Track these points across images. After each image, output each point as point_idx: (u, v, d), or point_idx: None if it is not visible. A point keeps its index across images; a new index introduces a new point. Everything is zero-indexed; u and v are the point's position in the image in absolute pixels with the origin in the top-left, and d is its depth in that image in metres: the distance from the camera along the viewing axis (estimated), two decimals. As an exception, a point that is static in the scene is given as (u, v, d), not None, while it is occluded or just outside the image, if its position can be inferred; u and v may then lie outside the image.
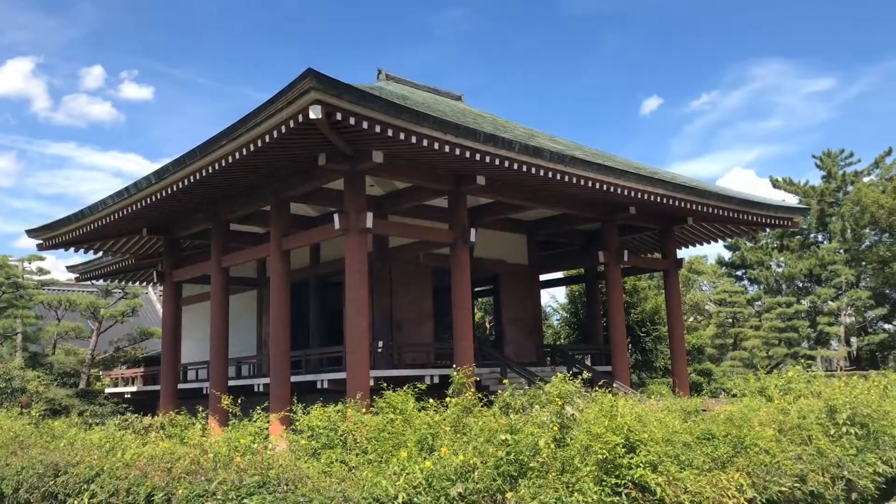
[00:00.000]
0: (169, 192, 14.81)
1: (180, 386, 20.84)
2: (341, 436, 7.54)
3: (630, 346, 26.28)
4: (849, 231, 43.53)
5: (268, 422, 8.84)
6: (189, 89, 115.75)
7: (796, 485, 7.52)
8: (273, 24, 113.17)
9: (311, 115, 11.11)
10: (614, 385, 17.56)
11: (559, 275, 26.91)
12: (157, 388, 21.36)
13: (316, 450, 7.43)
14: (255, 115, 12.10)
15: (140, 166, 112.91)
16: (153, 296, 39.60)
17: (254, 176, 15.00)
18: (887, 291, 43.48)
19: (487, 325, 35.97)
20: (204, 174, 13.75)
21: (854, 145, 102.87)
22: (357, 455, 7.00)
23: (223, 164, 13.23)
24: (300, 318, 19.82)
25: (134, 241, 20.90)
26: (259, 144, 12.35)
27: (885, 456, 9.09)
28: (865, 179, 45.91)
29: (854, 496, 8.36)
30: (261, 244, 17.60)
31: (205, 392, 18.35)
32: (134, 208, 15.95)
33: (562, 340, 31.39)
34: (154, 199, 15.27)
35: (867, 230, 43.07)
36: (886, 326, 44.01)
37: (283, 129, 11.79)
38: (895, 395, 11.64)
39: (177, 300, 21.00)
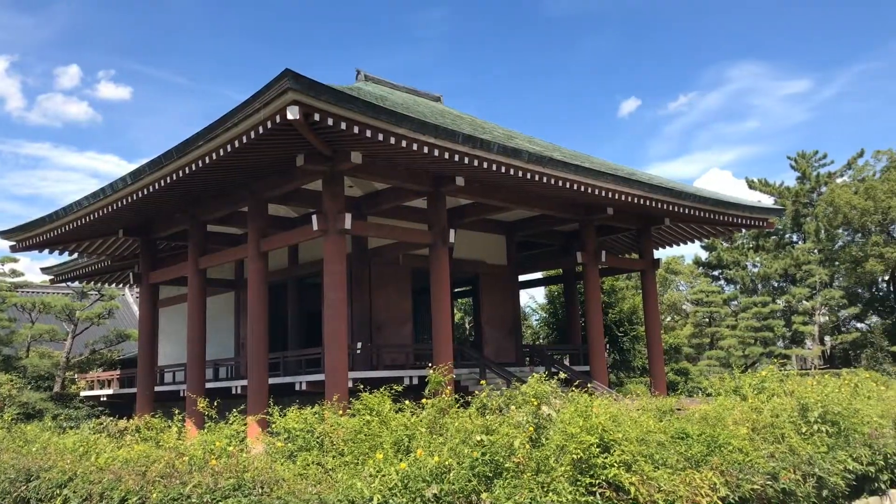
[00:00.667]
0: (145, 193, 14.69)
1: (157, 388, 20.67)
2: (318, 438, 7.53)
3: (608, 345, 26.48)
4: (822, 231, 44.17)
5: (244, 424, 8.80)
6: (167, 89, 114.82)
7: (768, 482, 7.61)
8: (252, 24, 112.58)
9: (289, 116, 11.08)
10: (592, 385, 17.69)
11: (538, 275, 27.04)
12: (133, 390, 21.17)
13: (292, 452, 7.42)
14: (232, 116, 12.04)
15: (118, 167, 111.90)
16: (130, 298, 39.20)
17: (231, 177, 14.92)
18: (860, 291, 44.18)
19: (467, 326, 36.06)
20: (181, 175, 13.66)
21: (829, 147, 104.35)
22: (333, 457, 6.99)
23: (200, 164, 13.15)
24: (278, 319, 19.75)
25: (110, 243, 20.70)
26: (236, 145, 12.30)
27: (856, 453, 9.21)
28: (839, 180, 46.62)
29: (825, 493, 8.47)
30: (238, 245, 17.50)
31: (182, 394, 18.23)
32: (110, 209, 15.80)
33: (541, 340, 31.56)
34: (130, 200, 15.13)
35: (840, 230, 43.74)
36: (859, 325, 44.72)
37: (261, 129, 11.74)
38: (866, 394, 11.81)
39: (153, 302, 20.83)
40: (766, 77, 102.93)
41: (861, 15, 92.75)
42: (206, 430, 8.34)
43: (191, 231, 17.65)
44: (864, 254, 40.38)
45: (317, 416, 8.01)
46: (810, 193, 47.30)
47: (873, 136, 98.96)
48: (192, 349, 17.37)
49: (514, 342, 22.64)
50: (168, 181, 13.97)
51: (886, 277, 44.07)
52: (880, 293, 45.50)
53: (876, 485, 9.56)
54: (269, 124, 11.56)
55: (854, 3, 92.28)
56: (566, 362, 22.73)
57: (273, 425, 8.26)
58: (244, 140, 12.11)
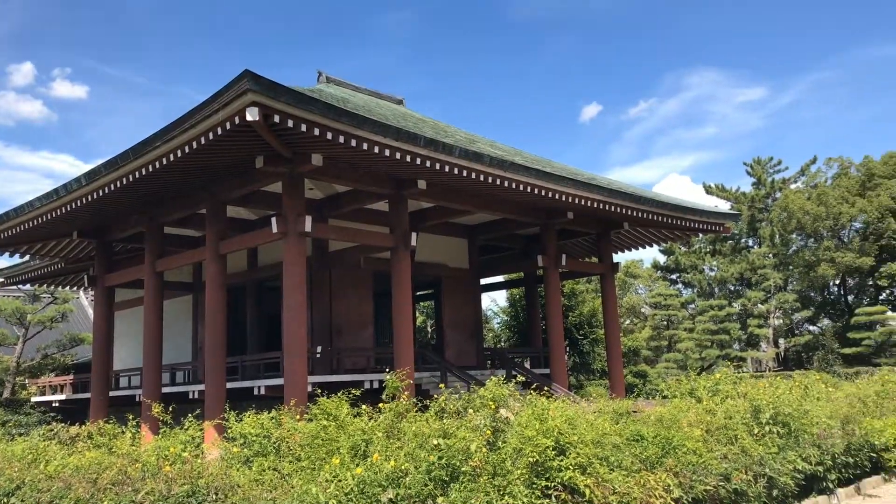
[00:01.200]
0: (101, 194, 14.40)
1: (112, 393, 20.26)
2: (274, 443, 7.45)
3: (568, 348, 26.70)
4: (777, 236, 45.19)
5: (201, 429, 8.68)
6: (125, 89, 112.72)
7: (721, 483, 7.77)
8: (214, 23, 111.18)
9: (248, 118, 10.96)
10: (552, 387, 17.82)
11: (500, 278, 27.16)
12: (87, 396, 20.69)
13: (248, 457, 7.33)
14: (190, 117, 11.86)
15: (73, 167, 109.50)
16: (84, 301, 38.35)
17: (189, 178, 14.71)
18: (812, 294, 45.31)
19: (429, 329, 36.04)
20: (137, 176, 13.42)
21: (783, 153, 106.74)
22: (290, 462, 6.93)
23: (157, 166, 12.93)
24: (237, 323, 19.52)
25: (64, 245, 20.25)
26: (195, 146, 12.12)
27: (805, 453, 9.44)
28: (793, 186, 47.79)
29: (775, 493, 8.67)
30: (197, 248, 17.25)
31: (138, 399, 17.90)
32: (64, 211, 15.46)
33: (502, 343, 31.69)
34: (85, 201, 14.82)
35: (794, 235, 44.80)
36: (811, 328, 45.85)
37: (220, 130, 11.59)
38: (815, 395, 12.12)
39: (109, 305, 20.42)
40: (723, 84, 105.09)
41: (814, 27, 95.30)
42: (161, 436, 8.20)
43: (148, 233, 17.35)
44: (816, 258, 41.42)
45: (274, 420, 7.93)
46: (765, 199, 48.38)
47: (826, 144, 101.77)
48: (149, 353, 17.07)
49: (475, 345, 22.69)
50: (124, 182, 13.71)
51: (837, 281, 45.28)
52: (832, 297, 46.73)
53: (824, 484, 9.82)
54: (227, 125, 11.42)
55: (807, 15, 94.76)
56: (527, 365, 22.86)
57: (229, 430, 8.15)
58: (202, 141, 11.94)
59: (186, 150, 12.26)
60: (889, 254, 40.96)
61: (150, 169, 13.07)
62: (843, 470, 10.29)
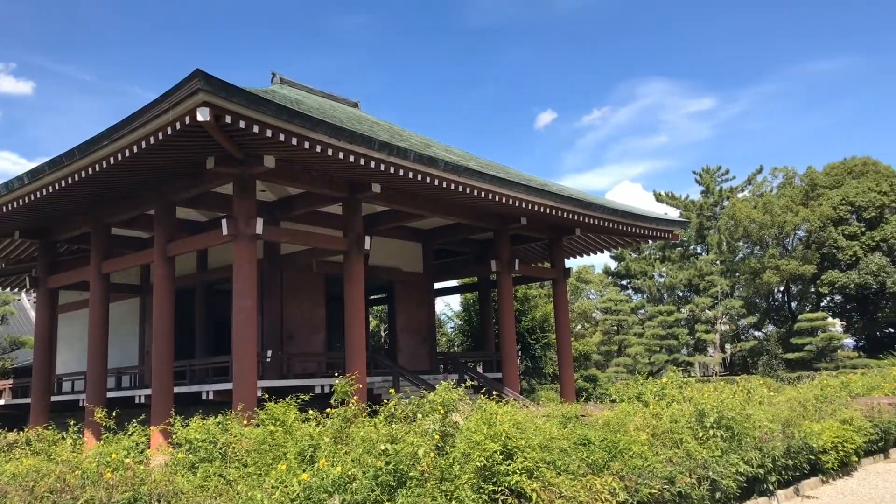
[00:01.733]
0: (44, 193, 14.04)
1: (54, 398, 19.71)
2: (221, 449, 7.34)
3: (520, 352, 26.90)
4: (724, 243, 46.29)
5: (146, 435, 8.49)
6: (73, 86, 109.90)
7: (665, 486, 7.91)
8: (166, 21, 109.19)
9: (199, 118, 10.80)
10: (504, 391, 17.93)
11: (454, 283, 27.24)
12: (27, 401, 20.07)
13: (194, 463, 7.21)
14: (139, 116, 11.64)
15: (16, 165, 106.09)
16: (27, 303, 37.19)
17: (138, 178, 14.41)
18: (757, 301, 46.52)
19: (382, 334, 35.92)
20: (83, 176, 13.12)
21: (731, 162, 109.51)
22: (236, 468, 6.83)
23: (104, 165, 12.67)
24: (186, 326, 19.17)
25: (5, 245, 19.66)
26: (143, 146, 11.90)
27: (747, 456, 9.67)
28: (740, 195, 49.04)
29: (718, 495, 8.86)
30: (144, 249, 16.93)
31: (81, 404, 17.45)
32: (5, 210, 15.06)
33: (456, 348, 31.77)
34: (28, 200, 14.44)
35: (741, 243, 45.96)
36: (756, 333, 47.09)
37: (170, 130, 11.40)
38: (758, 399, 12.45)
39: (52, 307, 19.86)
40: (674, 94, 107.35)
41: (762, 40, 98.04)
42: (103, 442, 8.00)
43: (93, 234, 16.95)
44: (761, 265, 42.53)
45: (220, 426, 7.81)
46: (713, 207, 49.52)
47: (772, 154, 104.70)
48: (93, 357, 16.66)
49: (428, 350, 22.69)
50: (69, 182, 13.39)
51: (782, 288, 46.59)
52: (776, 303, 48.05)
53: (765, 486, 10.06)
54: (178, 125, 11.24)
55: (756, 28, 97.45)
56: (480, 369, 22.95)
57: (174, 436, 8.00)
58: (151, 141, 11.73)
59: (135, 149, 12.03)
60: (830, 262, 42.30)
61: (97, 168, 12.78)
62: (783, 472, 10.56)
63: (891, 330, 42.19)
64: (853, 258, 41.14)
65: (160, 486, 6.01)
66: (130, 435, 8.05)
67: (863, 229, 41.88)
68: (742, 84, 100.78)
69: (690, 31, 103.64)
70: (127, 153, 12.17)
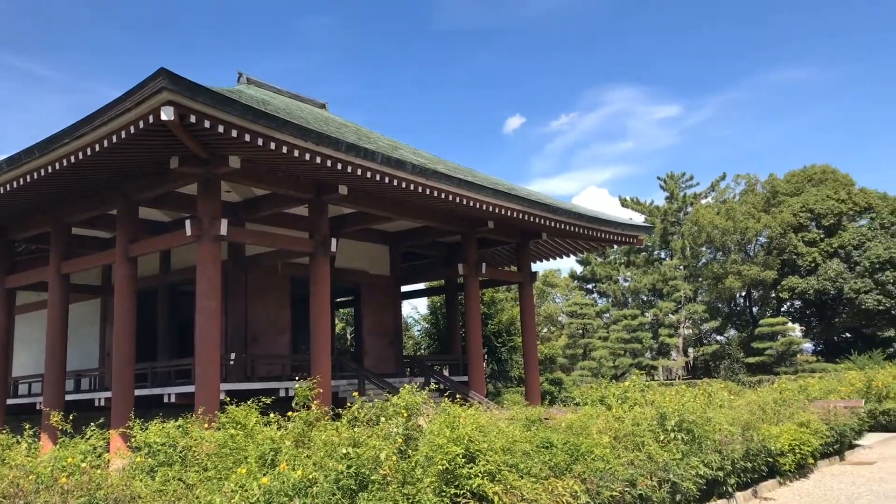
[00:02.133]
0: (2, 192, 13.72)
1: (10, 401, 19.26)
2: (181, 452, 7.24)
3: (487, 356, 26.98)
4: (688, 249, 47.02)
5: (104, 439, 8.32)
6: (34, 82, 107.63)
7: (627, 489, 7.98)
8: (132, 19, 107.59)
9: (163, 117, 10.66)
10: (469, 395, 17.97)
11: (421, 286, 27.21)
12: (-18, 403, 19.56)
13: (153, 467, 7.10)
14: (101, 114, 11.46)
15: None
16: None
17: (99, 177, 14.17)
18: (720, 305, 47.31)
19: (348, 337, 35.77)
20: (43, 174, 12.86)
21: (695, 169, 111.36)
22: (196, 472, 6.74)
23: (65, 164, 12.44)
24: (148, 328, 18.88)
25: (-40, 243, 19.12)
26: (105, 145, 11.71)
27: (707, 459, 9.82)
28: (703, 201, 49.86)
29: (678, 498, 8.98)
30: (106, 250, 16.60)
31: (38, 408, 17.09)
32: (-41, 207, 14.65)
33: (423, 351, 31.76)
34: (-17, 198, 14.09)
35: (704, 248, 46.73)
36: (719, 338, 47.86)
37: (133, 129, 11.24)
38: (718, 403, 12.65)
39: (9, 308, 19.37)
40: (640, 101, 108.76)
41: (726, 49, 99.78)
42: (59, 446, 7.83)
43: (53, 233, 16.61)
44: (724, 271, 43.26)
45: (181, 429, 7.70)
46: (678, 213, 50.26)
47: (735, 161, 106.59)
48: (52, 359, 16.32)
49: (395, 353, 22.64)
50: (28, 180, 13.12)
51: (743, 293, 47.45)
52: (738, 308, 48.91)
53: (724, 488, 10.22)
54: (141, 124, 11.08)
55: (720, 37, 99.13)
56: (446, 373, 22.96)
57: (133, 439, 7.87)
58: (114, 140, 11.55)
59: (97, 148, 11.83)
60: (790, 268, 43.19)
61: (57, 167, 12.55)
62: (741, 474, 10.74)
63: (848, 335, 43.19)
64: (812, 264, 42.05)
65: (117, 491, 5.90)
66: (88, 439, 7.88)
67: (822, 236, 42.85)
68: (707, 92, 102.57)
69: (658, 38, 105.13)
70: (88, 151, 11.97)
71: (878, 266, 39.50)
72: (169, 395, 15.72)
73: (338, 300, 25.91)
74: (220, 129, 11.33)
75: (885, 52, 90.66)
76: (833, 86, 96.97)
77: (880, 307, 39.22)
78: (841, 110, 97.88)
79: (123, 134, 11.36)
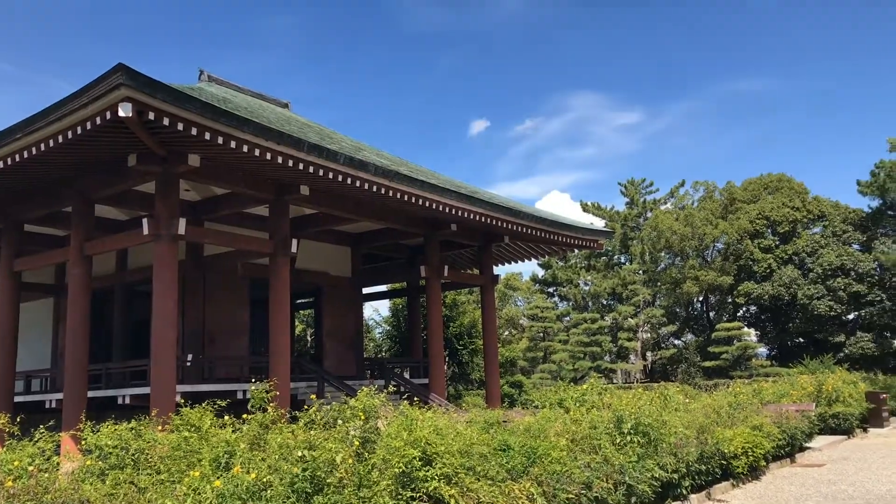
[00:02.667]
0: (-52, 186, 13.36)
1: (-44, 402, 18.66)
2: (133, 455, 7.10)
3: (448, 358, 27.01)
4: (647, 254, 47.70)
5: (54, 441, 8.12)
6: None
7: (583, 491, 8.05)
8: (92, 14, 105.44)
9: (121, 113, 10.49)
10: (429, 397, 17.97)
11: (383, 288, 27.13)
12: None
13: (104, 471, 6.95)
14: (56, 109, 11.22)
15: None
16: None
17: (54, 174, 13.87)
18: (678, 310, 48.06)
19: (309, 339, 35.49)
20: (-7, 170, 12.52)
21: (655, 175, 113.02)
22: (149, 475, 6.62)
23: (17, 159, 12.18)
24: (103, 328, 18.52)
25: None
26: (60, 140, 11.48)
27: (663, 461, 9.94)
28: (663, 207, 50.62)
29: (633, 500, 9.08)
30: (60, 248, 16.26)
31: (-14, 409, 16.59)
32: None
33: (384, 353, 31.67)
34: (-69, 193, 13.68)
35: (663, 254, 47.44)
36: (676, 342, 48.62)
37: (89, 125, 11.03)
38: (674, 406, 12.83)
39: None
40: (602, 107, 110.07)
41: (686, 58, 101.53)
42: (6, 449, 7.62)
43: (4, 230, 16.22)
44: (682, 276, 43.97)
45: (133, 431, 7.55)
46: (637, 218, 50.96)
47: (694, 168, 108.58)
48: (1, 359, 15.89)
49: (355, 355, 22.53)
50: (-23, 175, 12.77)
51: (701, 298, 48.25)
52: (695, 312, 49.72)
53: (679, 490, 10.37)
54: (98, 120, 10.88)
55: (679, 45, 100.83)
56: (407, 375, 22.92)
57: (83, 442, 7.69)
58: (70, 135, 11.32)
59: (51, 143, 11.59)
60: (746, 273, 44.07)
61: (9, 162, 12.29)
62: (696, 477, 10.90)
63: (801, 340, 44.21)
64: (768, 270, 42.96)
65: (65, 495, 5.76)
66: (36, 441, 7.68)
67: (777, 243, 43.82)
68: (668, 100, 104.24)
69: (620, 46, 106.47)
70: (42, 147, 11.72)
71: (829, 273, 40.54)
72: (123, 396, 15.44)
73: (298, 301, 25.70)
74: (180, 126, 11.17)
75: (839, 65, 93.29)
76: (789, 96, 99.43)
77: (832, 313, 40.24)
78: (796, 120, 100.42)
79: (80, 130, 11.15)
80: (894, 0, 79.35)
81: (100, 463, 7.16)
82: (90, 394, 14.51)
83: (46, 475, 6.15)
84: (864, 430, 20.91)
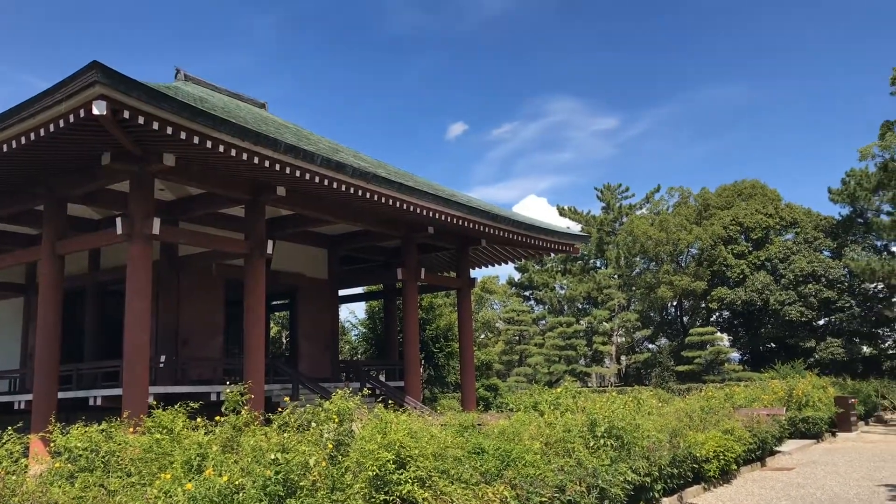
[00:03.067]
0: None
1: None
2: (103, 457, 7.02)
3: (424, 361, 26.99)
4: (622, 258, 48.04)
5: (23, 443, 7.99)
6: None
7: (556, 495, 8.09)
8: (66, 11, 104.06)
9: (95, 111, 10.38)
10: (405, 400, 17.96)
11: (360, 290, 27.08)
12: None
13: (73, 473, 6.85)
14: (28, 106, 11.08)
15: None
16: None
17: (26, 172, 13.67)
18: (652, 314, 48.46)
19: (284, 340, 35.26)
20: (-38, 166, 12.32)
21: (631, 180, 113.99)
22: (119, 478, 6.55)
23: (-13, 156, 11.93)
24: (75, 328, 18.26)
25: None
26: (33, 138, 11.33)
27: (635, 465, 10.01)
28: (638, 212, 51.06)
29: (606, 503, 9.15)
30: (31, 247, 16.01)
31: (-48, 410, 16.31)
32: None
33: (360, 356, 31.57)
34: None
35: (638, 258, 47.82)
36: (650, 346, 49.02)
37: (62, 123, 10.90)
38: (647, 410, 12.94)
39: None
40: (579, 112, 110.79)
41: (662, 64, 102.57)
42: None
43: (-27, 228, 15.93)
44: (656, 280, 44.34)
45: (104, 433, 7.45)
46: (613, 223, 51.33)
47: (669, 173, 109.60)
48: (-32, 359, 15.62)
49: (330, 357, 22.45)
50: (-54, 172, 12.55)
51: (675, 303, 48.70)
52: (669, 317, 50.16)
53: (651, 494, 10.45)
54: (71, 118, 10.75)
55: (656, 51, 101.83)
56: (383, 378, 22.88)
57: (52, 444, 7.59)
58: (42, 133, 11.17)
59: (23, 141, 11.44)
60: (719, 279, 44.55)
61: (-21, 159, 12.04)
62: (668, 480, 11.00)
63: (773, 345, 44.76)
64: (741, 276, 43.46)
65: (33, 497, 5.68)
66: (4, 443, 7.56)
67: (750, 249, 44.36)
68: (645, 106, 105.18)
69: (597, 52, 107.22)
70: (14, 145, 11.55)
71: (801, 279, 41.13)
72: (95, 398, 15.24)
73: (273, 303, 25.55)
74: (155, 125, 11.07)
75: (813, 73, 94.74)
76: (763, 104, 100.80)
77: (803, 318, 40.81)
78: (770, 127, 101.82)
79: (52, 127, 11.01)
80: (867, 6, 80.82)
81: (69, 465, 7.06)
82: (61, 395, 14.30)
83: (14, 478, 6.05)
84: (833, 434, 21.25)
